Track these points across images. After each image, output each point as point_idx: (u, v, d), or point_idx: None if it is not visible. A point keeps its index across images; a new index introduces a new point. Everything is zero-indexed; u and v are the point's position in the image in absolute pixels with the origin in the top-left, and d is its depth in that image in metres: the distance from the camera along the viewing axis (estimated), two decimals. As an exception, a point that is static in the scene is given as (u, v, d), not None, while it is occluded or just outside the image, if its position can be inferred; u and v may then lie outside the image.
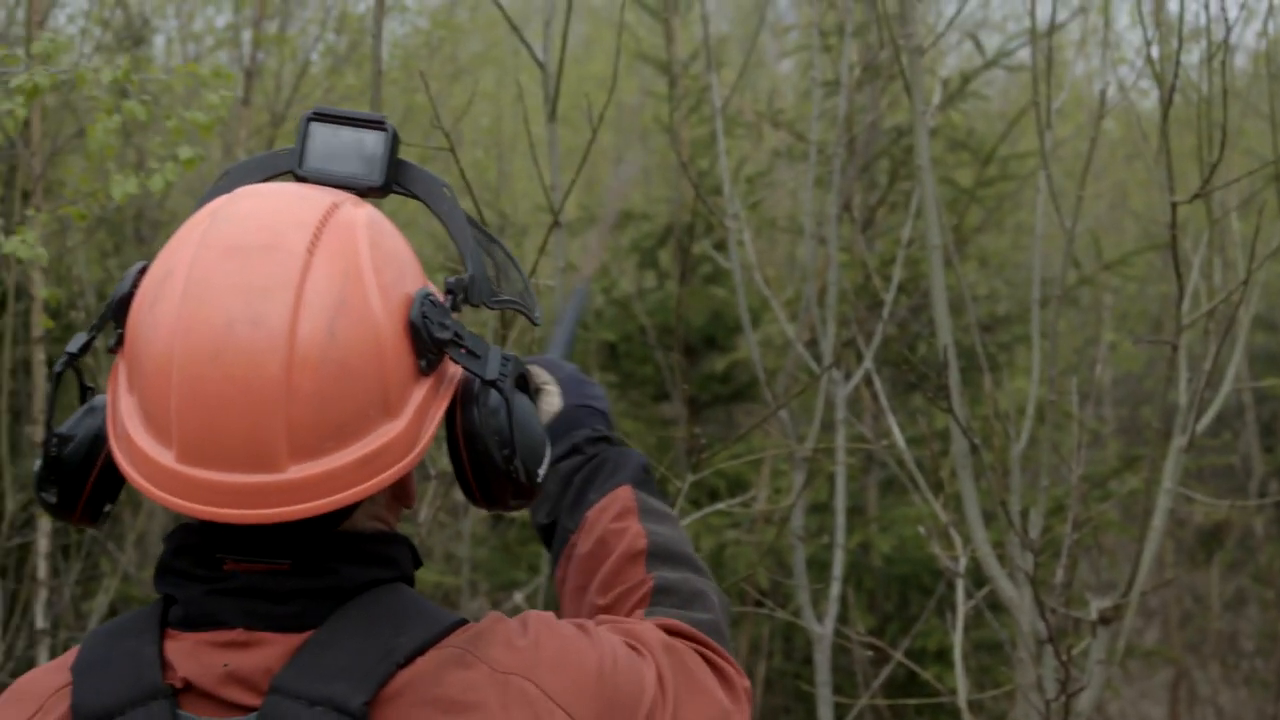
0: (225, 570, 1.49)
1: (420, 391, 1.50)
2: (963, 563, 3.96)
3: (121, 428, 1.48)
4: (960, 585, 4.06)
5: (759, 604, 5.65)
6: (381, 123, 1.60)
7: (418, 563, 1.62)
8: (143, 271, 1.55)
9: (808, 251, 4.72)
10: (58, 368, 1.61)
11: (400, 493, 1.60)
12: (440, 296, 1.54)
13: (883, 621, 6.50)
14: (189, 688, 1.46)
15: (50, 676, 1.51)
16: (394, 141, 1.60)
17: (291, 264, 1.42)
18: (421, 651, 1.46)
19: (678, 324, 7.17)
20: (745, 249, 4.94)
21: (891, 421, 4.27)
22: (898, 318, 6.43)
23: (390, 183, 1.61)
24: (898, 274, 4.59)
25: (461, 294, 1.55)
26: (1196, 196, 3.49)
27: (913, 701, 5.01)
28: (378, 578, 1.52)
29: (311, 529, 1.48)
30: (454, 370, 1.56)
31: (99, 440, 1.56)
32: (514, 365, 1.56)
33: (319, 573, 1.49)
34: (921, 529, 4.34)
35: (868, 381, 4.93)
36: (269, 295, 1.40)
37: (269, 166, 1.64)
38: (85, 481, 1.58)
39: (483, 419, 1.54)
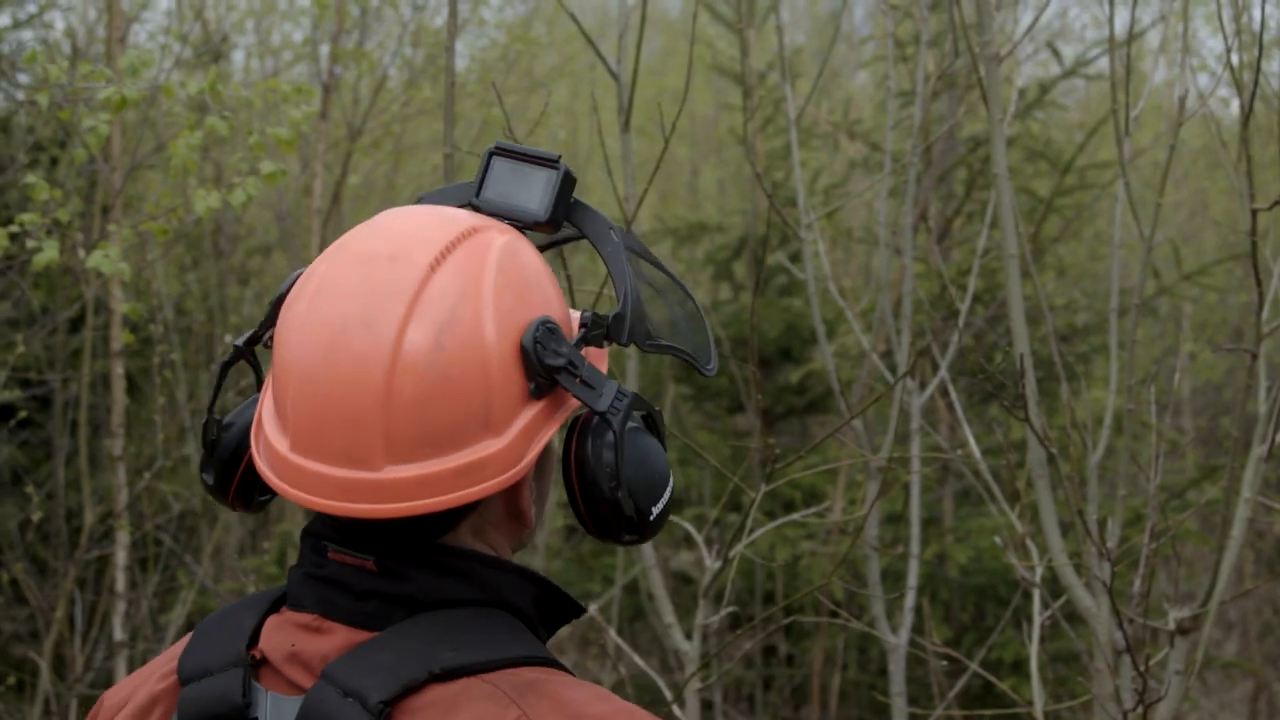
0: (327, 558, 1.55)
1: (529, 414, 1.53)
2: (1039, 573, 3.93)
3: (259, 418, 1.57)
4: (1037, 596, 4.03)
5: (834, 615, 5.64)
6: (555, 161, 1.64)
7: (550, 599, 1.61)
8: (299, 276, 1.60)
9: (883, 262, 4.70)
10: (226, 359, 1.70)
11: (513, 517, 1.61)
12: (567, 326, 1.58)
13: (958, 632, 6.47)
14: (265, 661, 1.53)
15: (181, 643, 1.62)
16: (565, 180, 1.64)
17: (412, 275, 1.49)
18: (468, 673, 1.47)
19: (752, 335, 7.17)
20: (820, 260, 4.94)
21: (967, 431, 4.25)
22: (974, 328, 6.41)
23: (558, 219, 1.65)
24: (973, 284, 4.57)
25: (601, 330, 1.58)
26: (1277, 203, 3.46)
27: (988, 713, 4.97)
28: (461, 597, 1.54)
29: (406, 534, 1.52)
30: (565, 401, 1.57)
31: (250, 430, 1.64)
32: (631, 401, 1.57)
33: (396, 577, 1.52)
34: (998, 539, 4.32)
35: (943, 391, 4.91)
36: (385, 302, 1.46)
37: (455, 196, 1.69)
38: (237, 467, 1.66)
39: (594, 450, 1.56)
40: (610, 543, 1.61)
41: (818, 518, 5.85)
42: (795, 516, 4.79)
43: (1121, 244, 4.24)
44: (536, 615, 1.59)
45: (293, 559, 6.66)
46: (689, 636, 4.10)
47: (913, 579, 4.43)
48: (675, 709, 4.18)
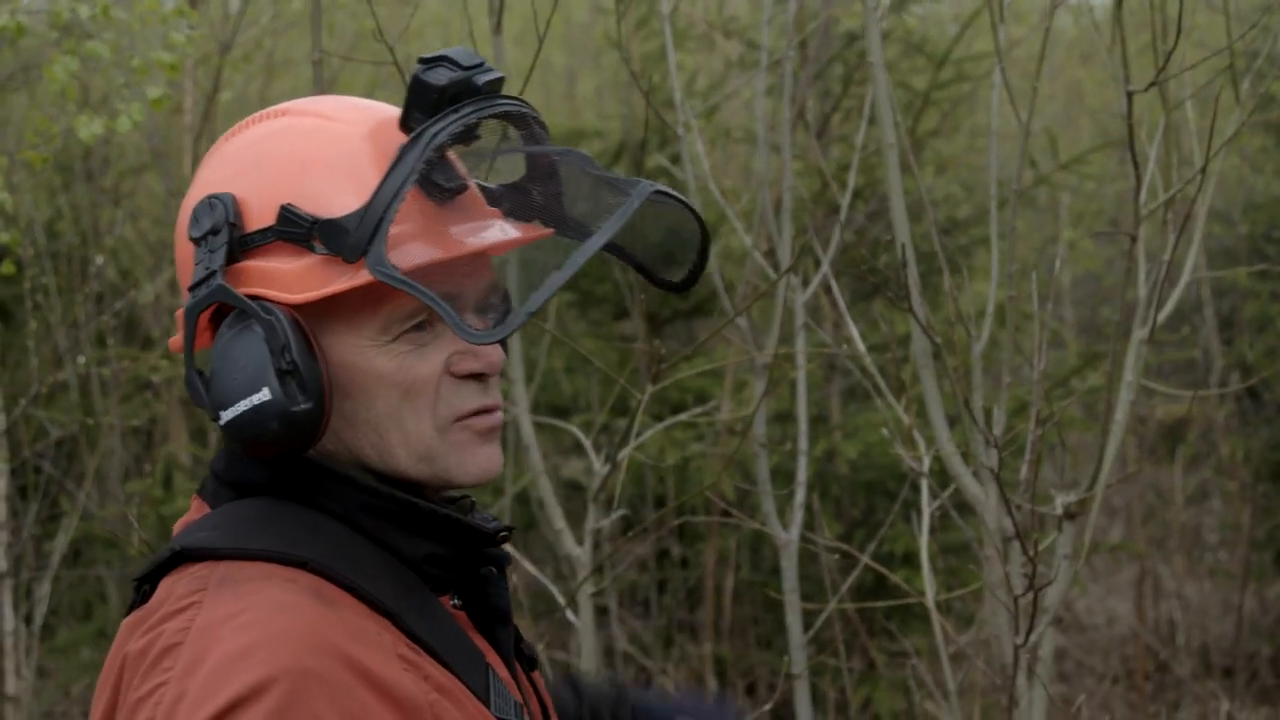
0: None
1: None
2: (927, 464, 3.96)
3: None
4: (925, 486, 4.06)
5: (725, 515, 5.66)
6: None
7: (383, 506, 1.67)
8: None
9: (762, 160, 4.67)
10: None
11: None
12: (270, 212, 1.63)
13: (850, 527, 6.52)
14: None
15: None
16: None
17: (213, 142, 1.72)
18: (207, 557, 1.56)
19: (633, 239, 7.12)
20: (699, 160, 4.90)
21: (851, 327, 4.25)
22: (855, 224, 6.41)
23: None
24: (853, 179, 4.56)
25: (299, 229, 1.61)
26: (1152, 85, 3.47)
27: (881, 605, 5.02)
28: (263, 485, 1.66)
29: None
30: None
31: None
32: (209, 295, 1.61)
33: (226, 464, 1.69)
34: (885, 433, 4.34)
35: (827, 288, 4.90)
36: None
37: None
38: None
39: (230, 341, 1.61)
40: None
41: (705, 418, 5.84)
42: (683, 417, 4.79)
43: (999, 134, 4.24)
44: (368, 520, 1.65)
45: (179, 481, 6.57)
46: (580, 542, 4.09)
47: (802, 475, 4.44)
48: (570, 615, 4.17)
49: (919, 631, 6.08)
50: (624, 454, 4.02)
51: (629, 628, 7.16)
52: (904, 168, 3.84)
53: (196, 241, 1.60)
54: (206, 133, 7.39)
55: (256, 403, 1.56)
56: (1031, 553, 3.33)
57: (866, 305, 6.67)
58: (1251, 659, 7.38)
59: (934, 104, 6.78)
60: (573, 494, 6.98)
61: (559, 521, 4.08)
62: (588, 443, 4.39)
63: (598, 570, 3.97)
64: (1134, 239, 3.77)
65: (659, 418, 6.01)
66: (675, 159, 6.79)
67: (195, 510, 1.66)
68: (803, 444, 4.49)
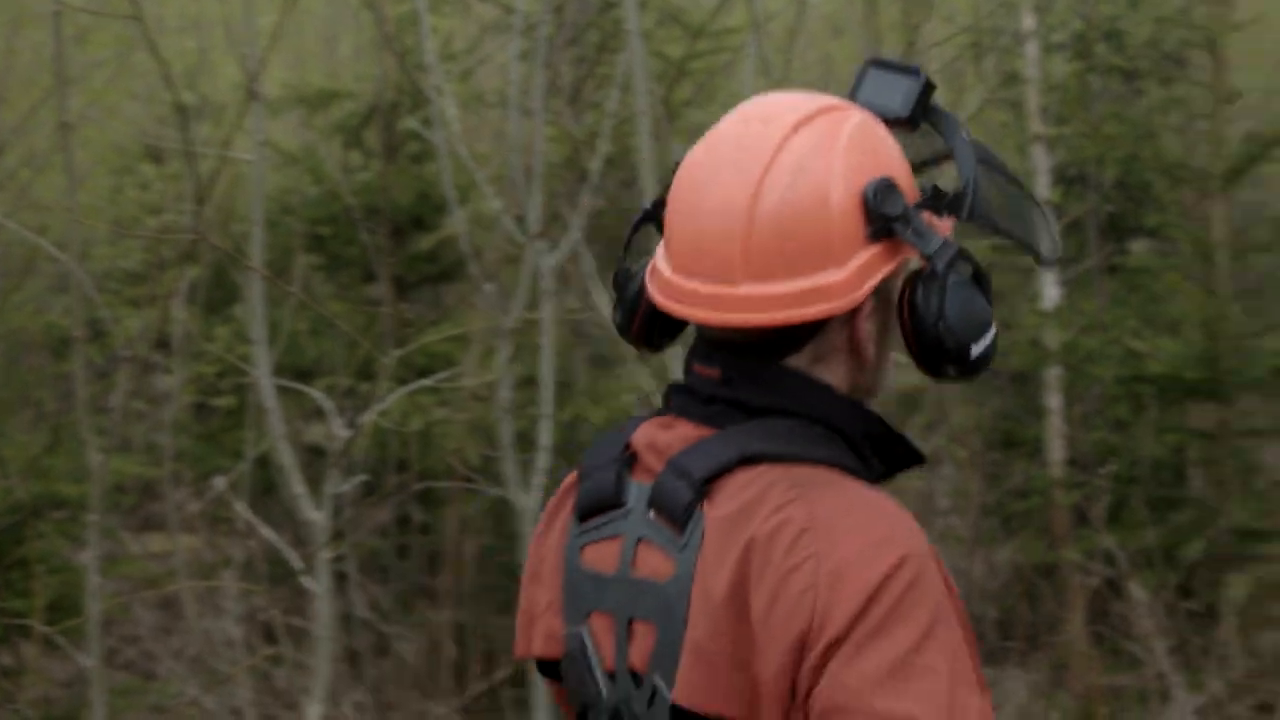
0: (692, 370, 1.90)
1: (866, 254, 1.82)
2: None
3: (654, 259, 1.92)
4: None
5: (467, 480, 5.61)
6: (917, 71, 1.97)
7: (886, 438, 1.91)
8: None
9: (514, 125, 4.63)
10: (637, 218, 2.05)
11: (851, 351, 1.87)
12: (910, 193, 1.88)
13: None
14: (635, 456, 1.91)
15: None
16: (925, 87, 1.96)
17: (778, 132, 1.83)
18: (768, 459, 1.79)
19: (383, 203, 7.02)
20: (451, 124, 4.84)
21: (598, 293, 4.24)
22: (607, 191, 6.39)
23: (917, 118, 1.95)
24: (604, 146, 4.54)
25: (941, 200, 1.88)
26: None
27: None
28: (789, 408, 1.84)
29: (755, 351, 1.85)
30: (899, 249, 1.85)
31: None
32: (955, 250, 1.85)
33: (737, 385, 1.85)
34: (634, 398, 4.34)
35: (575, 255, 4.88)
36: (754, 149, 1.82)
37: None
38: (637, 308, 1.99)
39: (924, 293, 1.83)
40: (938, 378, 1.90)
41: (451, 384, 5.78)
42: (427, 382, 4.73)
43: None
44: (869, 446, 1.89)
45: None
46: (319, 507, 4.01)
47: (545, 440, 4.41)
48: (307, 580, 4.09)
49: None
50: (366, 418, 3.95)
51: (368, 593, 7.06)
52: (656, 136, 3.84)
53: (892, 218, 1.81)
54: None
55: (990, 338, 1.87)
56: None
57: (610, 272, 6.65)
58: (979, 621, 7.57)
59: (689, 74, 6.80)
60: (315, 459, 6.86)
61: (297, 486, 4.00)
62: (330, 406, 4.30)
63: (337, 536, 3.89)
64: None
65: (404, 382, 5.93)
66: (427, 122, 6.71)
67: (676, 428, 1.88)
68: (546, 408, 4.46)
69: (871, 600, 1.71)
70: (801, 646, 1.72)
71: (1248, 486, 7.02)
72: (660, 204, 1.97)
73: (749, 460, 1.80)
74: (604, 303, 4.14)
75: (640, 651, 1.84)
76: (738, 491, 1.78)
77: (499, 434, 4.54)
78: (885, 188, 1.81)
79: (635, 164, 5.68)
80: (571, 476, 2.00)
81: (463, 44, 7.96)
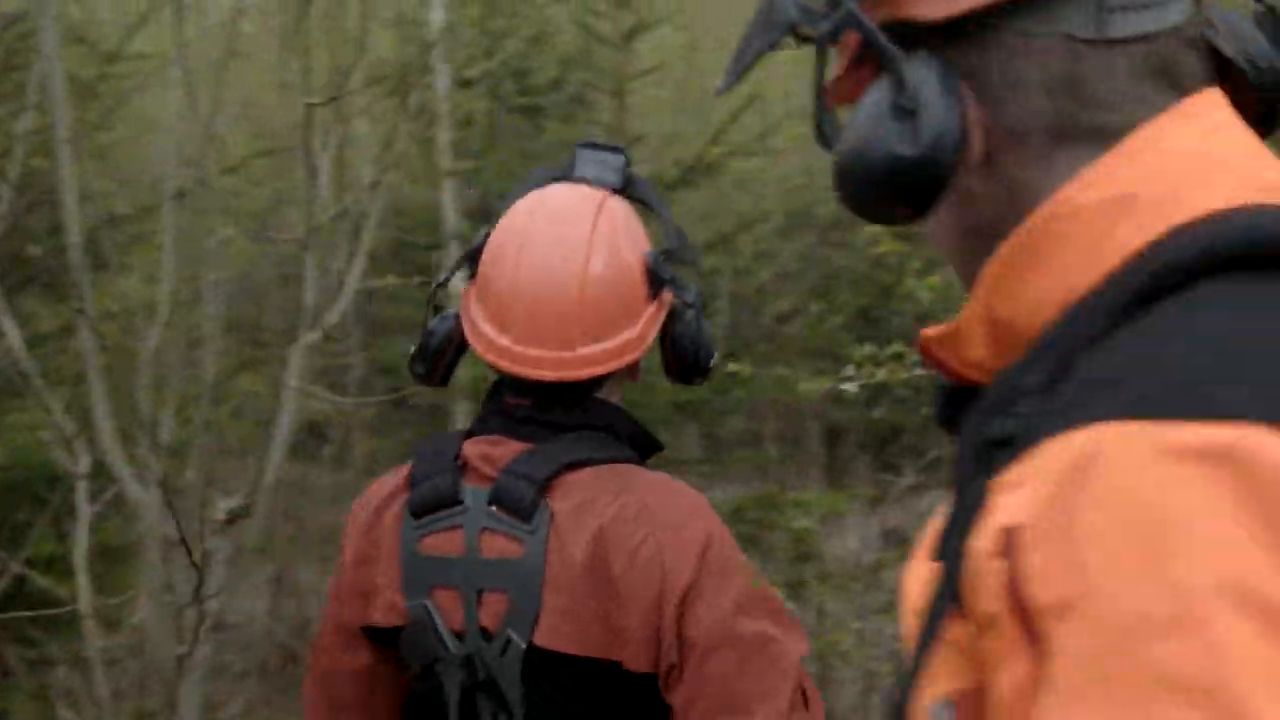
0: (506, 402, 2.39)
1: (649, 310, 2.40)
2: (86, 464, 3.85)
3: (473, 326, 2.39)
4: (83, 489, 3.94)
5: None
6: (619, 149, 2.52)
7: (642, 435, 2.45)
8: (487, 235, 2.43)
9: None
10: (432, 291, 2.55)
11: (629, 375, 2.46)
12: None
13: (-6, 532, 6.18)
14: (466, 467, 2.36)
15: (400, 469, 2.44)
16: (627, 161, 2.51)
17: (585, 228, 2.38)
18: (587, 464, 2.32)
19: None
20: None
21: (5, 321, 4.07)
22: (15, 215, 6.10)
23: (625, 187, 2.50)
24: (17, 168, 4.36)
25: (671, 255, 2.45)
26: (333, 99, 3.56)
27: (27, 615, 4.81)
28: (587, 423, 2.38)
29: (572, 389, 2.37)
30: (666, 299, 2.42)
31: (452, 334, 2.45)
32: (699, 295, 2.48)
33: (549, 411, 2.37)
34: (46, 435, 4.18)
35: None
36: (573, 246, 2.34)
37: (550, 174, 2.52)
38: (443, 358, 2.47)
39: (683, 327, 2.46)
40: (687, 384, 2.54)
41: None
42: None
43: (170, 132, 4.20)
44: (633, 442, 2.43)
45: None
46: None
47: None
48: None
49: (66, 637, 5.85)
50: None
51: None
52: (75, 159, 3.73)
53: (666, 280, 2.43)
54: None
55: (714, 353, 2.58)
56: (198, 559, 3.32)
57: (16, 299, 6.36)
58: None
59: (98, 96, 6.58)
60: None
61: None
62: None
63: None
64: (305, 246, 3.85)
65: None
66: None
67: (503, 445, 2.36)
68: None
69: (705, 554, 2.27)
70: (660, 601, 2.24)
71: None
72: (448, 278, 2.56)
73: (574, 465, 2.32)
74: (14, 331, 3.96)
75: (492, 614, 2.29)
76: (572, 489, 2.31)
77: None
78: (659, 256, 2.42)
79: (45, 188, 5.46)
80: (393, 483, 2.43)
81: None
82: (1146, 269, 1.03)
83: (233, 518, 3.81)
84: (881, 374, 3.01)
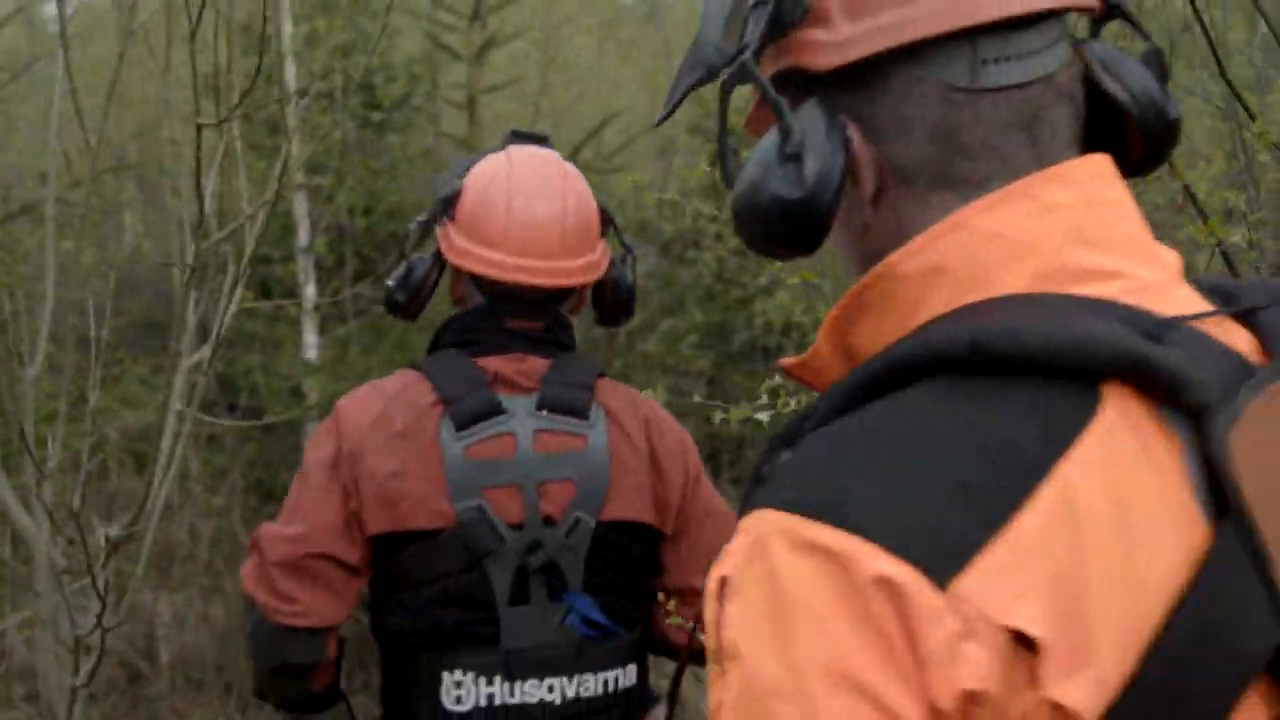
0: (507, 324, 2.73)
1: (602, 244, 2.80)
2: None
3: (465, 254, 2.72)
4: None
5: None
6: (546, 138, 2.93)
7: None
8: (457, 191, 2.77)
9: None
10: (413, 229, 2.83)
11: (581, 301, 2.84)
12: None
13: None
14: (497, 379, 2.68)
15: (400, 377, 2.75)
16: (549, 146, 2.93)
17: (558, 169, 2.79)
18: (603, 374, 2.79)
19: None
20: None
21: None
22: None
23: None
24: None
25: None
26: (224, 121, 3.51)
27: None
28: (569, 341, 2.78)
29: (552, 304, 2.74)
30: (605, 243, 2.83)
31: (431, 270, 2.81)
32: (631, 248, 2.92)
33: (552, 330, 2.75)
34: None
35: None
36: (553, 180, 2.75)
37: (489, 153, 2.88)
38: (423, 291, 2.82)
39: (619, 270, 2.86)
40: (611, 326, 2.96)
41: None
42: None
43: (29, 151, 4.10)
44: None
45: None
46: None
47: None
48: None
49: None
50: None
51: None
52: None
53: (610, 222, 2.89)
54: None
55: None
56: (101, 589, 3.26)
57: None
58: (221, 670, 7.46)
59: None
60: None
61: None
62: None
63: None
64: (193, 270, 3.80)
65: None
66: None
67: (528, 360, 2.75)
68: None
69: (694, 450, 2.82)
70: (686, 477, 2.75)
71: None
72: (433, 219, 2.81)
73: (601, 374, 2.76)
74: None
75: (556, 502, 2.63)
76: (606, 391, 2.74)
77: None
78: (604, 204, 2.84)
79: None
80: (416, 399, 2.65)
81: None
82: (882, 360, 1.12)
83: (117, 543, 3.74)
84: (794, 404, 3.11)
